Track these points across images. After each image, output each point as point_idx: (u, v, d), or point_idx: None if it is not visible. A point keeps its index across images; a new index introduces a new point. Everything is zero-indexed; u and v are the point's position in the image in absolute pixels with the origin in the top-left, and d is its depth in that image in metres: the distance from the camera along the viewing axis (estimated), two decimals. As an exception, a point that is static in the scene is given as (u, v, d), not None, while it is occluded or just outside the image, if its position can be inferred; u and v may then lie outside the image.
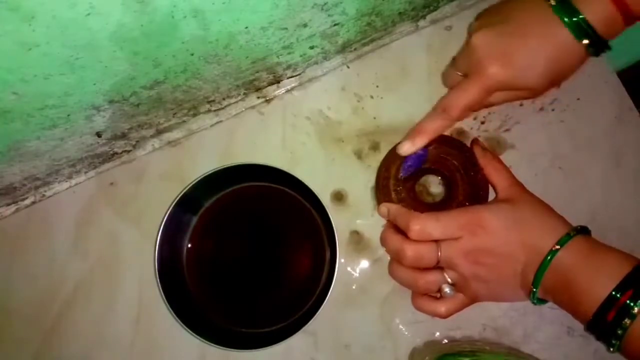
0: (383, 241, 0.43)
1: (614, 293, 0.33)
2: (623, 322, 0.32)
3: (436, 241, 0.38)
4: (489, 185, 0.44)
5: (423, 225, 0.38)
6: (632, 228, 0.46)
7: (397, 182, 0.45)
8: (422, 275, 0.39)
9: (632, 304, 0.32)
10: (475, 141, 0.45)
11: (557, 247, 0.35)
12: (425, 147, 0.43)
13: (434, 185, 0.47)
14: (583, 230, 0.37)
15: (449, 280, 0.39)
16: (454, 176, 0.44)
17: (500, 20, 0.39)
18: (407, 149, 0.42)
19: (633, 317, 0.32)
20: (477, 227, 0.38)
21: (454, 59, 0.45)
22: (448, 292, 0.39)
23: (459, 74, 0.42)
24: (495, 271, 0.38)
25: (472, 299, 0.40)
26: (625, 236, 0.46)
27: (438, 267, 0.39)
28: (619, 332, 0.32)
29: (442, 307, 0.39)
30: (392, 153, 0.46)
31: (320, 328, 0.46)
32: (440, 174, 0.47)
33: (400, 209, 0.41)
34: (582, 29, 0.35)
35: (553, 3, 0.36)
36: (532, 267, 0.36)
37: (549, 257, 0.35)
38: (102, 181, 0.50)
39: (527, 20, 0.38)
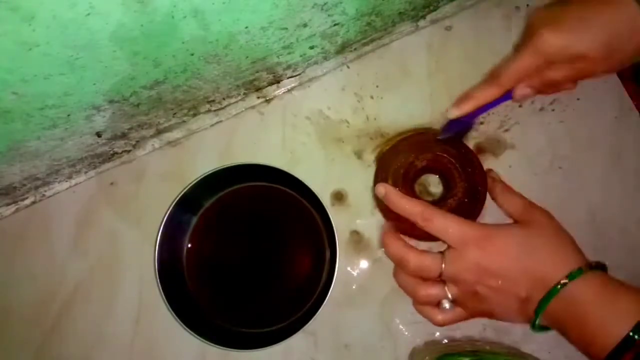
0: (384, 246, 0.42)
1: (631, 334, 0.31)
2: None
3: (441, 254, 0.38)
4: (487, 183, 0.43)
5: (430, 215, 0.38)
6: (632, 228, 0.46)
7: (396, 180, 0.45)
8: (423, 287, 0.39)
9: None
10: (487, 171, 0.45)
11: (566, 280, 0.34)
12: (472, 117, 0.42)
13: (434, 185, 0.47)
14: (598, 267, 0.35)
15: (449, 296, 0.38)
16: (451, 174, 0.44)
17: (562, 3, 0.39)
18: (453, 112, 0.42)
19: None
20: (487, 244, 0.37)
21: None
22: (447, 307, 0.38)
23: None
24: (497, 294, 0.37)
25: (471, 315, 0.39)
26: (626, 236, 0.46)
27: (440, 280, 0.38)
28: None
29: (439, 316, 0.39)
30: (390, 152, 0.46)
31: (320, 328, 0.46)
32: (437, 172, 0.47)
33: (402, 195, 0.41)
34: None
35: None
36: (537, 295, 0.35)
37: (558, 287, 0.34)
38: (102, 181, 0.50)
39: (588, 2, 0.38)
